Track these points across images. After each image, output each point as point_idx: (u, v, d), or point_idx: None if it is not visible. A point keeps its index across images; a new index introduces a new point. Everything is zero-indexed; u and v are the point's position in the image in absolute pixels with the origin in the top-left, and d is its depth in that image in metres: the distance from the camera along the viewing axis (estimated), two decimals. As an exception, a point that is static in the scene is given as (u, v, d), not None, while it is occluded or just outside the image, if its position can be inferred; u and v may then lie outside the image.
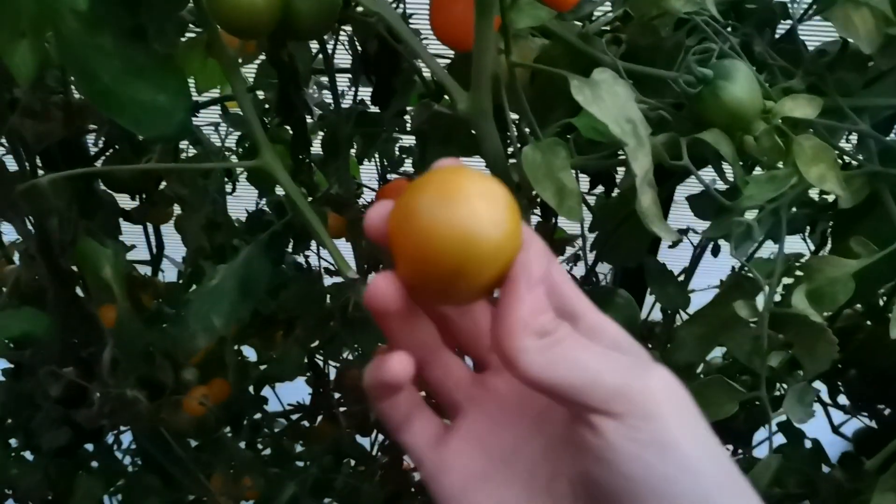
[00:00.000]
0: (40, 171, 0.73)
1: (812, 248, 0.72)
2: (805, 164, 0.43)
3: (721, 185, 0.51)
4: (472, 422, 0.30)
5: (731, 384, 0.47)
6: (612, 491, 0.25)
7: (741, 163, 0.52)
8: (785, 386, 0.56)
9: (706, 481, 0.24)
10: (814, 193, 0.59)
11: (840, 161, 0.54)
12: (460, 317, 0.31)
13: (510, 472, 0.29)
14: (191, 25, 0.59)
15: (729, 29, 0.52)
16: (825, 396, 0.85)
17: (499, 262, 0.26)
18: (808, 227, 0.72)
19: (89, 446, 0.86)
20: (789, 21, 0.52)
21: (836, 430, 0.87)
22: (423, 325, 0.29)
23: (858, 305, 0.78)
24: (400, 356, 0.27)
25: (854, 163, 0.51)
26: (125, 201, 0.79)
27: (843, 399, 0.85)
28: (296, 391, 0.97)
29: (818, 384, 0.83)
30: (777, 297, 0.49)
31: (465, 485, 0.28)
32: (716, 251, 0.68)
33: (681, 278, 0.70)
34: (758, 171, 0.50)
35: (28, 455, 0.81)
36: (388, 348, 0.29)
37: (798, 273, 0.48)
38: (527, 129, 0.46)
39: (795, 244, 0.78)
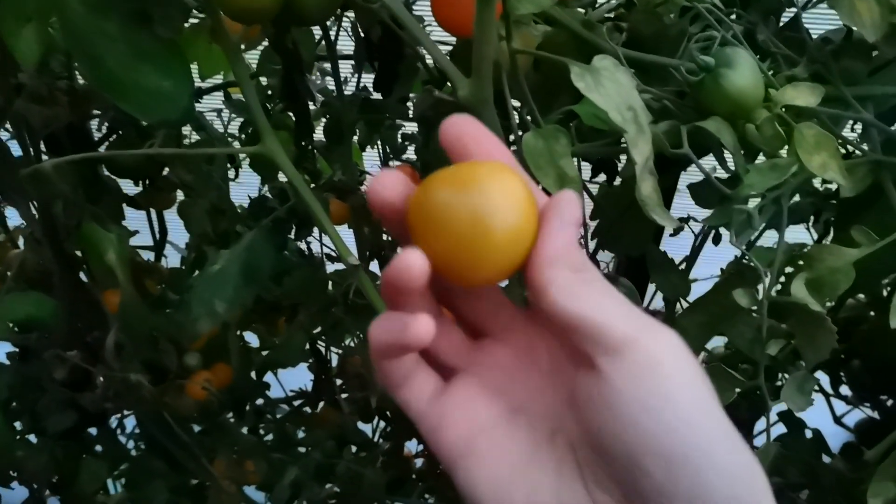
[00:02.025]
0: (45, 157, 0.73)
1: (815, 237, 0.72)
2: (807, 152, 0.42)
3: (723, 174, 0.51)
4: (472, 382, 0.30)
5: (730, 372, 0.47)
6: (615, 440, 0.25)
7: (744, 151, 0.52)
8: (787, 376, 0.56)
9: (704, 435, 0.24)
10: (818, 183, 0.59)
11: (843, 150, 0.54)
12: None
13: (511, 427, 0.29)
14: (194, 11, 0.59)
15: (734, 17, 0.52)
16: (828, 387, 0.85)
17: (517, 247, 0.27)
18: (812, 217, 0.72)
19: (94, 430, 0.87)
20: (794, 9, 0.52)
21: (838, 420, 0.87)
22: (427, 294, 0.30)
23: (862, 296, 0.78)
24: (425, 319, 0.27)
25: (858, 152, 0.50)
26: (129, 187, 0.80)
27: (845, 390, 0.85)
28: (298, 377, 0.97)
29: (821, 374, 0.83)
30: (779, 286, 0.49)
31: (468, 437, 0.28)
32: (717, 240, 0.68)
33: (682, 267, 0.70)
34: (761, 159, 0.50)
35: (33, 438, 0.82)
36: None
37: (799, 262, 0.48)
38: (528, 117, 0.46)
39: (799, 233, 0.78)
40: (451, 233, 0.27)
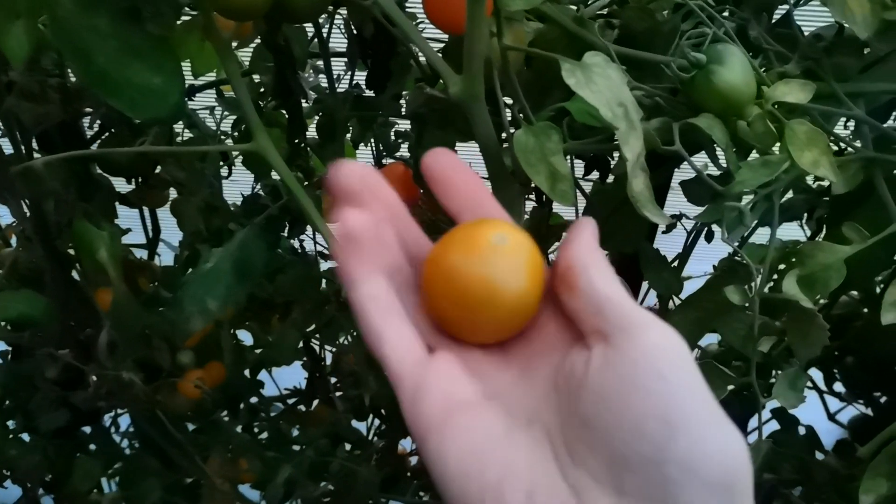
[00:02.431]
0: (37, 155, 0.73)
1: (809, 234, 0.72)
2: (798, 149, 0.42)
3: (716, 171, 0.51)
4: (452, 361, 0.31)
5: (722, 369, 0.47)
6: (620, 409, 0.26)
7: (736, 148, 0.52)
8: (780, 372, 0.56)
9: (705, 409, 0.26)
10: (811, 180, 0.59)
11: (837, 147, 0.54)
12: None
13: (487, 408, 0.29)
14: (187, 8, 0.59)
15: (727, 13, 0.52)
16: (821, 384, 0.85)
17: (525, 308, 0.30)
18: (806, 214, 0.72)
19: (88, 429, 0.87)
20: (786, 6, 0.52)
21: (832, 417, 0.87)
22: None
23: (855, 293, 0.78)
24: (355, 211, 0.31)
25: (850, 149, 0.50)
26: (122, 185, 0.79)
27: (839, 387, 0.85)
28: (293, 376, 0.97)
29: (815, 371, 0.83)
30: (772, 283, 0.49)
31: (444, 410, 0.29)
32: (709, 237, 0.68)
33: (675, 264, 0.70)
34: (754, 156, 0.50)
35: (27, 437, 0.82)
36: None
37: (791, 259, 0.48)
38: (520, 114, 0.46)
39: (793, 231, 0.78)
40: (463, 298, 0.30)
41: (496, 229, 0.30)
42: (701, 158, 0.52)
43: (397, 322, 0.30)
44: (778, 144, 0.46)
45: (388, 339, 0.30)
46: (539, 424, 0.29)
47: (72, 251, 0.73)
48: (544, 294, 0.32)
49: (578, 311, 0.30)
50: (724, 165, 0.47)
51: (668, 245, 0.73)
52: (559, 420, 0.29)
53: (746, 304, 0.45)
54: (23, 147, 0.69)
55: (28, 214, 0.70)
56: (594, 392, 0.27)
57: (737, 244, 0.46)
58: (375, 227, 0.31)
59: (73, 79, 0.69)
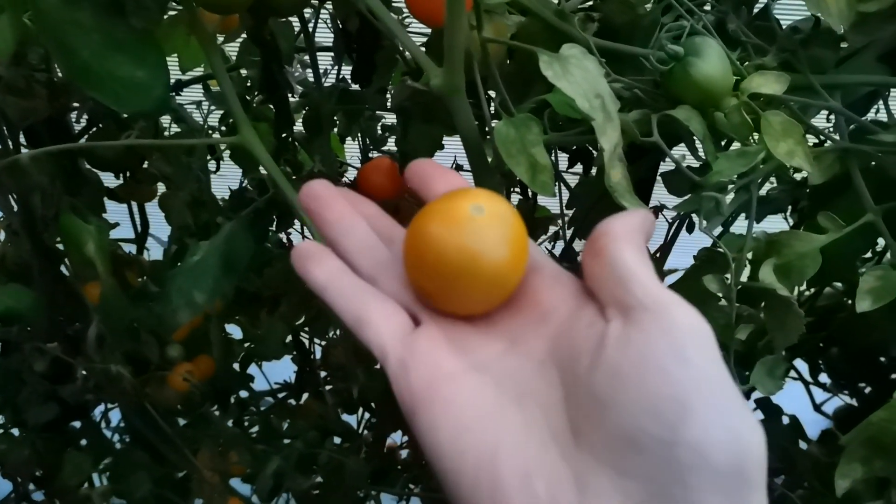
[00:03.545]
0: (24, 149, 0.73)
1: (792, 225, 0.73)
2: (773, 139, 0.43)
3: (696, 163, 0.52)
4: (437, 334, 0.31)
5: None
6: (633, 387, 0.26)
7: (721, 140, 0.53)
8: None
9: (721, 393, 0.25)
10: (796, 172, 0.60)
11: (817, 138, 0.54)
12: None
13: (477, 380, 0.29)
14: (173, 3, 0.59)
15: (707, 6, 0.52)
16: (807, 375, 0.85)
17: (507, 278, 0.30)
18: (790, 206, 0.73)
19: (78, 424, 0.87)
20: (765, -2, 0.53)
21: (817, 408, 0.88)
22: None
23: (840, 284, 0.79)
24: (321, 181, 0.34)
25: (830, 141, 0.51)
26: (110, 180, 0.80)
27: (824, 378, 0.86)
28: (283, 370, 0.98)
29: (800, 363, 0.84)
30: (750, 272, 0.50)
31: (432, 382, 0.28)
32: (690, 228, 0.68)
33: (658, 255, 0.71)
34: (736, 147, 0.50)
35: (16, 432, 0.82)
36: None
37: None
38: (501, 106, 0.46)
39: (778, 223, 0.78)
40: (443, 269, 0.29)
41: (475, 198, 0.30)
42: (682, 150, 0.53)
43: (371, 299, 0.31)
44: (757, 136, 0.46)
45: (368, 320, 0.30)
46: (532, 399, 0.28)
47: (60, 245, 0.73)
48: (531, 264, 0.32)
49: (601, 279, 0.29)
50: (704, 156, 0.47)
51: (654, 237, 0.74)
52: (561, 395, 0.28)
53: (722, 294, 0.46)
54: (10, 142, 0.70)
55: (15, 209, 0.70)
56: (609, 367, 0.26)
57: (716, 234, 0.47)
58: (339, 220, 0.33)
59: (60, 74, 0.70)
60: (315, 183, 0.35)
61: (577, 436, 0.27)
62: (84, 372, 0.71)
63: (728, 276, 0.45)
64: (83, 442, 0.87)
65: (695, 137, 0.47)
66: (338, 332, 0.86)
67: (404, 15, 0.71)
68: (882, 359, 0.81)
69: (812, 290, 0.81)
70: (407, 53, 0.65)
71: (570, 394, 0.28)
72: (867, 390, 0.84)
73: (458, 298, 0.30)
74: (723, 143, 0.55)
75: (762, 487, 0.25)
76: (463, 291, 0.30)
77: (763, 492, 0.25)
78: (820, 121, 0.57)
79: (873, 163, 0.50)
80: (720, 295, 0.46)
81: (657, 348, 0.26)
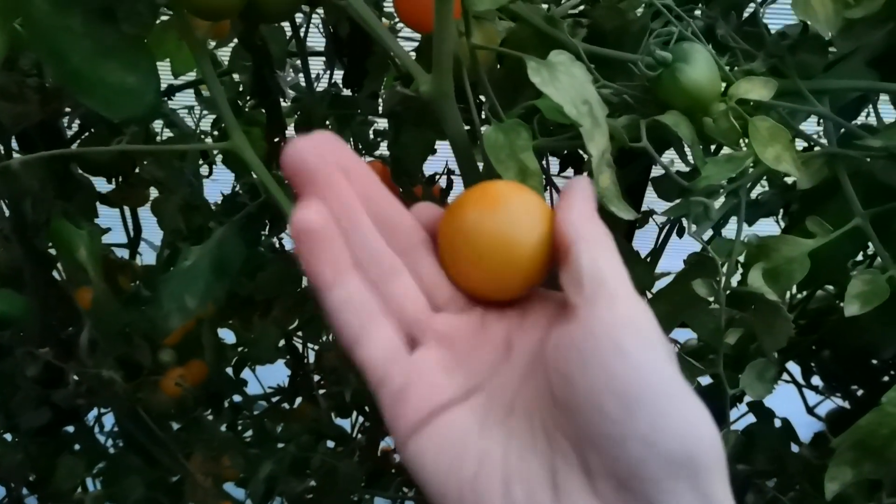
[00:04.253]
0: (17, 154, 0.73)
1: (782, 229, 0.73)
2: (761, 145, 0.43)
3: (685, 167, 0.52)
4: (431, 357, 0.30)
5: (691, 361, 0.48)
6: (579, 383, 0.26)
7: (711, 146, 0.53)
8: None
9: (666, 382, 0.25)
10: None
11: (806, 143, 0.55)
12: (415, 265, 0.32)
13: (465, 403, 0.29)
14: (164, 8, 0.59)
15: (697, 12, 0.53)
16: (800, 378, 0.86)
17: (539, 263, 0.30)
18: (782, 210, 0.73)
19: (71, 428, 0.87)
20: (754, 4, 0.53)
21: (810, 410, 0.88)
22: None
23: (831, 287, 0.79)
24: (309, 202, 0.28)
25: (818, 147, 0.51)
26: (101, 184, 0.80)
27: (816, 380, 0.86)
28: (276, 374, 0.98)
29: (793, 365, 0.84)
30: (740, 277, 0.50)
31: (421, 412, 0.28)
32: (681, 232, 0.69)
33: (649, 259, 0.71)
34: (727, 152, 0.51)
35: (9, 437, 0.82)
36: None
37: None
38: (490, 112, 0.47)
39: (769, 226, 0.79)
40: (479, 254, 0.30)
41: (509, 187, 0.32)
42: (672, 155, 0.53)
43: (373, 325, 0.29)
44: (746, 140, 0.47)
45: (365, 343, 0.29)
46: (521, 407, 0.29)
47: (52, 250, 0.73)
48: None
49: (565, 285, 0.29)
50: (693, 161, 0.48)
51: (644, 241, 0.74)
52: (544, 399, 0.28)
53: (712, 298, 0.46)
54: (1, 147, 0.70)
55: (7, 214, 0.70)
56: (558, 370, 0.27)
57: (706, 238, 0.47)
58: (339, 216, 0.29)
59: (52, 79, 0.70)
60: (307, 212, 0.28)
61: (552, 439, 0.27)
62: (76, 377, 0.71)
63: (718, 279, 0.45)
64: (76, 446, 0.87)
65: (684, 142, 0.47)
66: (331, 335, 0.86)
67: (397, 20, 0.71)
68: (874, 361, 0.81)
69: (804, 293, 0.82)
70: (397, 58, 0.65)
71: (541, 398, 0.28)
72: (859, 393, 0.84)
73: (494, 281, 0.31)
74: (712, 148, 0.55)
75: (721, 470, 0.25)
76: (498, 270, 0.31)
77: (723, 475, 0.25)
78: (810, 125, 0.57)
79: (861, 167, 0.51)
80: (710, 299, 0.47)
81: (595, 343, 0.26)
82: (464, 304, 0.32)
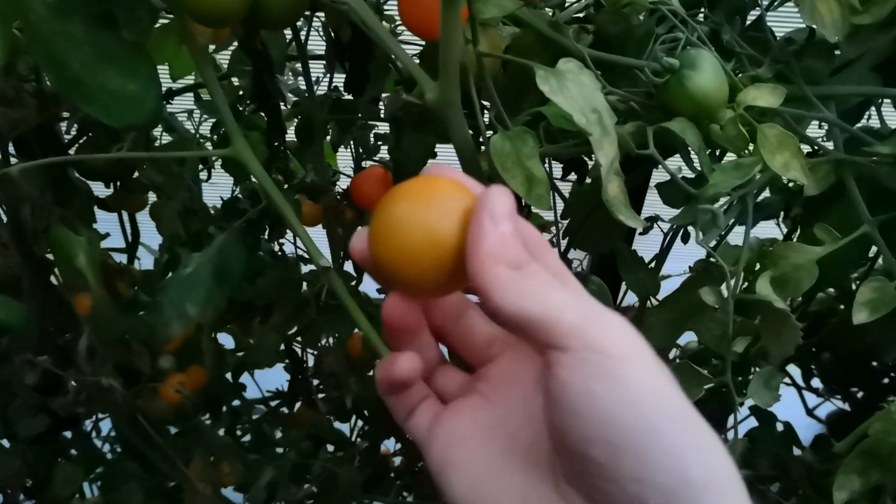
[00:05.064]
0: (14, 160, 0.72)
1: (785, 232, 0.73)
2: (769, 152, 0.43)
3: (692, 174, 0.52)
4: (464, 401, 0.32)
5: (697, 369, 0.48)
6: (567, 435, 0.25)
7: (715, 151, 0.53)
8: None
9: (652, 415, 0.24)
10: (787, 179, 0.60)
11: (811, 148, 0.55)
12: (455, 325, 0.33)
13: (489, 436, 0.30)
14: (164, 12, 0.59)
15: (701, 17, 0.52)
16: (799, 380, 0.86)
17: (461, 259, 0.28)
18: (783, 213, 0.73)
19: (69, 434, 0.86)
20: (759, 9, 0.53)
21: (810, 412, 0.88)
22: (423, 336, 0.33)
23: (832, 290, 0.79)
24: (409, 356, 0.31)
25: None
26: (100, 189, 0.79)
27: (817, 382, 0.86)
28: (275, 378, 0.97)
29: (793, 368, 0.84)
30: (747, 283, 0.50)
31: (447, 448, 0.30)
32: (685, 238, 0.68)
33: (653, 265, 0.70)
34: (731, 158, 0.51)
35: (6, 443, 0.81)
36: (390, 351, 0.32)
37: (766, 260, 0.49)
38: (496, 119, 0.46)
39: (771, 229, 0.79)
40: (404, 245, 0.28)
41: (433, 181, 0.30)
42: (677, 161, 0.53)
43: (421, 405, 0.33)
44: (752, 147, 0.46)
45: (411, 419, 0.32)
46: (541, 445, 0.29)
47: (50, 256, 0.73)
48: None
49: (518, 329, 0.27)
50: (699, 168, 0.47)
51: (647, 245, 0.74)
52: (547, 430, 0.28)
53: (719, 306, 0.46)
54: (-1, 152, 0.69)
55: (5, 220, 0.69)
56: (550, 419, 0.26)
57: (712, 245, 0.47)
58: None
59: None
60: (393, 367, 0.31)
61: (563, 469, 0.27)
62: (75, 384, 0.70)
63: (724, 287, 0.45)
64: (74, 452, 0.86)
65: (689, 149, 0.47)
66: (330, 340, 0.86)
67: (397, 23, 0.70)
68: (874, 363, 0.81)
69: (795, 297, 0.82)
70: (400, 63, 0.65)
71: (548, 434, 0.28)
72: (859, 395, 0.84)
73: (416, 276, 0.29)
74: (717, 153, 0.55)
75: (731, 484, 0.25)
76: (420, 266, 0.28)
77: (734, 487, 0.25)
78: (812, 128, 0.57)
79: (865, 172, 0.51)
80: (716, 307, 0.47)
81: (567, 392, 0.25)
82: (501, 350, 0.33)
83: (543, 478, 0.28)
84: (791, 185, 0.62)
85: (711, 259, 0.47)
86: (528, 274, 0.27)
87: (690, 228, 0.55)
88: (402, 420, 0.33)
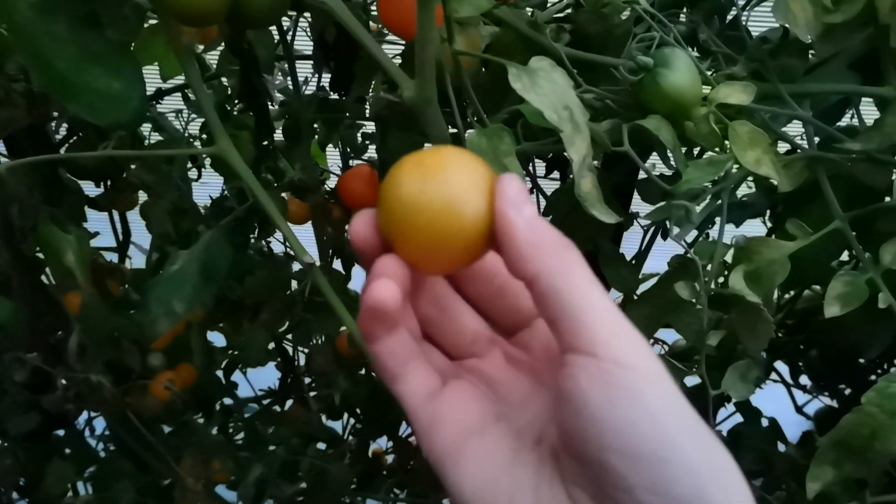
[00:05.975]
0: (4, 159, 0.73)
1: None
2: (741, 148, 0.44)
3: (669, 171, 0.52)
4: (464, 388, 0.31)
5: (673, 363, 0.48)
6: (583, 441, 0.26)
7: (695, 149, 0.53)
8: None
9: (673, 428, 0.25)
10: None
11: (790, 146, 0.55)
12: (439, 315, 0.33)
13: (497, 431, 0.30)
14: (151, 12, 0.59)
15: (682, 17, 0.53)
16: (788, 377, 0.86)
17: (482, 224, 0.28)
18: (769, 211, 0.73)
19: (62, 432, 0.87)
20: (735, 9, 0.53)
21: (799, 409, 0.89)
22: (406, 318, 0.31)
23: (818, 287, 0.80)
24: (385, 281, 0.28)
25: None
26: (90, 188, 0.80)
27: (805, 379, 0.87)
28: (268, 377, 0.98)
29: (781, 364, 0.85)
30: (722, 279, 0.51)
31: (456, 441, 0.29)
32: (665, 235, 0.69)
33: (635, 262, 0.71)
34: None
35: (-1, 442, 0.82)
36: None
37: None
38: (474, 117, 0.47)
39: (756, 227, 0.79)
40: (421, 221, 0.27)
41: (445, 150, 0.29)
42: (656, 158, 0.54)
43: (412, 362, 0.31)
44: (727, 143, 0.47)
45: (404, 379, 0.30)
46: (547, 440, 0.29)
47: (40, 255, 0.73)
48: None
49: (552, 318, 0.27)
50: (675, 165, 0.48)
51: (632, 243, 0.74)
52: (557, 433, 0.28)
53: (695, 300, 0.46)
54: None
55: (-6, 219, 0.70)
56: (564, 423, 0.27)
57: (689, 241, 0.48)
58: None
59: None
60: (390, 344, 0.30)
61: (572, 472, 0.27)
62: (65, 381, 0.71)
63: (699, 281, 0.46)
64: (67, 450, 0.87)
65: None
66: (321, 338, 0.87)
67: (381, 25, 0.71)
68: (861, 360, 0.82)
69: (791, 293, 0.82)
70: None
71: (558, 437, 0.29)
72: (847, 392, 0.85)
73: (432, 249, 0.28)
74: (696, 151, 0.55)
75: (737, 487, 0.25)
76: (436, 241, 0.28)
77: (741, 490, 0.25)
78: (796, 128, 0.58)
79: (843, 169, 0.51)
80: (691, 301, 0.47)
81: (587, 399, 0.25)
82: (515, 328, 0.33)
83: (552, 476, 0.28)
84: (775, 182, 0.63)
85: (687, 255, 0.48)
86: (574, 263, 0.27)
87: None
88: (390, 380, 0.30)
